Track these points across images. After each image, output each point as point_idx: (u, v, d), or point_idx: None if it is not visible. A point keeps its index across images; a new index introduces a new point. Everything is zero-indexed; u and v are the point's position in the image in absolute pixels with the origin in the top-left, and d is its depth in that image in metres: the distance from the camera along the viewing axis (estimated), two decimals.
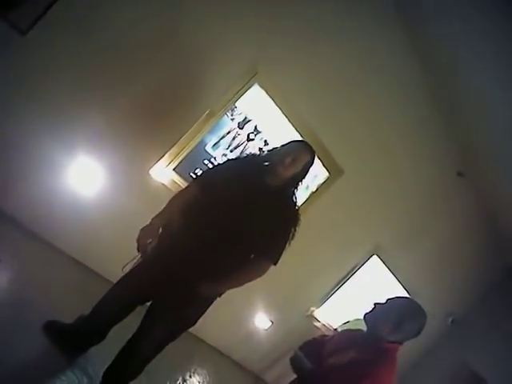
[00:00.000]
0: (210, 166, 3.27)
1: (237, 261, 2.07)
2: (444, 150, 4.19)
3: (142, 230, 2.04)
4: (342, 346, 1.97)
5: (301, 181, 2.19)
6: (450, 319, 5.74)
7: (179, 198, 2.19)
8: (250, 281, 2.12)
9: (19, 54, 2.49)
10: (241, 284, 2.13)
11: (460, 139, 4.09)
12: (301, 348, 2.10)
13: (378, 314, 1.90)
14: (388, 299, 1.94)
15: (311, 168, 2.20)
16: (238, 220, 2.01)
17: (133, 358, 2.04)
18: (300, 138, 3.20)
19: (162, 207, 2.14)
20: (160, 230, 2.09)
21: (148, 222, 2.06)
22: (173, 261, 2.01)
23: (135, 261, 2.11)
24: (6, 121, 2.60)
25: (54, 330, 2.18)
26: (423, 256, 4.85)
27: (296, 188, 2.20)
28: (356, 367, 1.79)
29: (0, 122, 2.60)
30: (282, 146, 2.22)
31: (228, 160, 2.47)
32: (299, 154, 2.14)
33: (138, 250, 2.03)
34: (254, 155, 2.39)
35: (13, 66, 2.51)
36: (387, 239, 4.50)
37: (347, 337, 2.09)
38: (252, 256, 2.11)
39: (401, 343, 1.88)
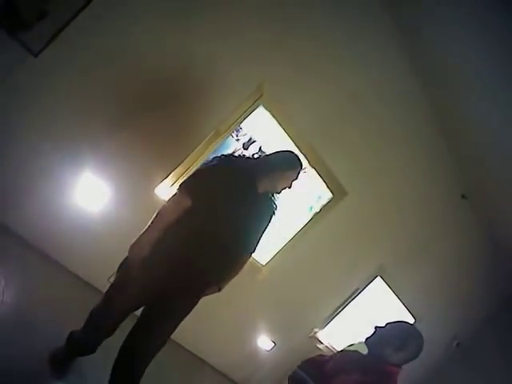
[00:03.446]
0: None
1: (227, 261, 2.20)
2: (448, 173, 4.21)
3: (132, 246, 2.08)
4: (345, 367, 1.98)
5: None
6: (456, 343, 5.67)
7: (169, 211, 2.10)
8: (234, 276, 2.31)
9: (30, 75, 2.54)
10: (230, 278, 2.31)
11: (464, 162, 4.10)
12: (300, 367, 2.11)
13: (379, 337, 1.95)
14: (387, 323, 2.00)
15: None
16: (229, 226, 2.10)
17: (135, 358, 2.08)
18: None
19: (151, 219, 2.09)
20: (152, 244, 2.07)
21: (136, 239, 2.07)
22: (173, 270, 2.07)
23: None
24: (16, 140, 2.65)
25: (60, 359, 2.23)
26: (427, 278, 4.82)
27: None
28: None
29: (10, 140, 2.64)
30: (278, 156, 2.31)
31: (218, 159, 2.26)
32: (295, 173, 2.26)
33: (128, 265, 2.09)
34: (245, 158, 2.35)
35: (24, 86, 2.56)
36: (391, 261, 4.49)
37: (349, 359, 2.09)
38: (238, 255, 2.25)
39: (400, 366, 1.92)
